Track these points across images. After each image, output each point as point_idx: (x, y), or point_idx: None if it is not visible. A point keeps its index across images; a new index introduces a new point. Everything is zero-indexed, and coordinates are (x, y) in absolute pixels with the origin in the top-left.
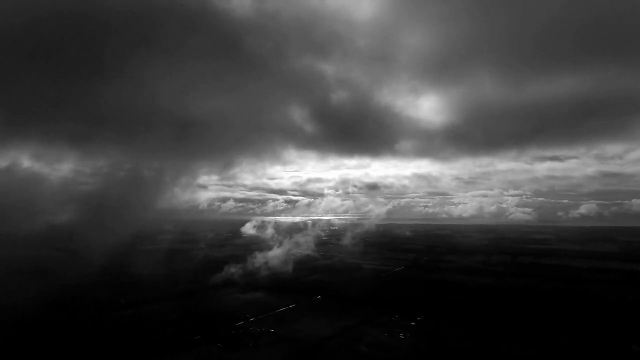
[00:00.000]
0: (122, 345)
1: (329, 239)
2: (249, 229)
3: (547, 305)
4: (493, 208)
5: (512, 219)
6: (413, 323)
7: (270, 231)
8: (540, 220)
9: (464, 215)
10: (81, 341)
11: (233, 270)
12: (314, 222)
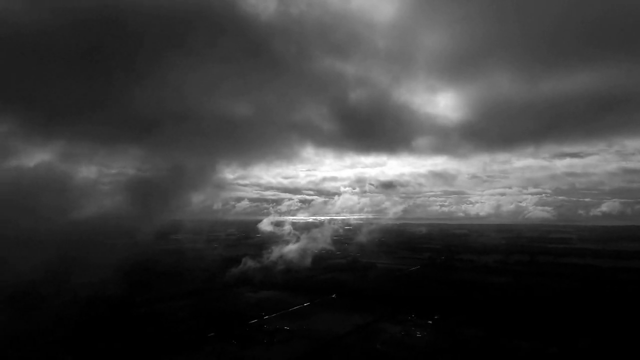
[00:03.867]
0: (137, 342)
1: (344, 238)
2: (263, 228)
3: (568, 304)
4: (512, 207)
5: (530, 217)
6: (430, 322)
7: (284, 230)
8: (560, 219)
9: (481, 214)
10: (97, 338)
11: (247, 268)
12: (329, 222)
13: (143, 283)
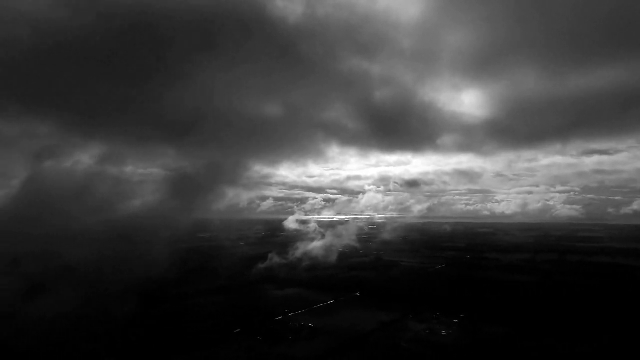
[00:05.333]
0: (165, 337)
1: (368, 236)
2: (287, 227)
3: (596, 304)
4: (539, 205)
5: (558, 216)
6: (455, 320)
7: (308, 229)
8: (589, 218)
9: (507, 212)
10: (126, 333)
11: (272, 266)
12: (353, 220)
13: (172, 280)
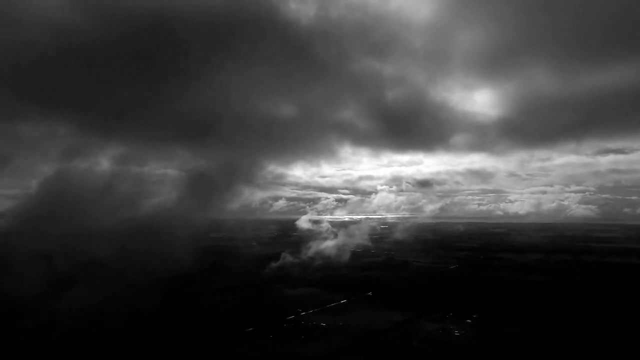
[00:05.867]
0: (177, 334)
1: (380, 236)
2: (299, 227)
3: (613, 305)
4: (553, 205)
5: (572, 216)
6: (469, 320)
7: (320, 229)
8: (605, 218)
9: (520, 212)
10: (137, 332)
11: (284, 266)
12: (365, 220)
13: (185, 278)
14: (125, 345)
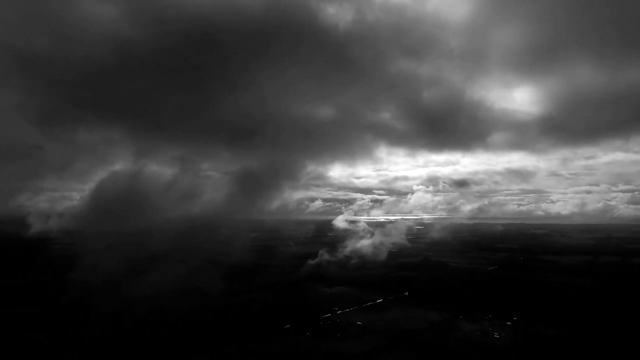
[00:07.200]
0: (216, 331)
1: (416, 236)
2: (335, 226)
3: None
4: (599, 205)
5: (620, 216)
6: (508, 323)
7: (357, 229)
8: None
9: (563, 213)
10: (178, 327)
11: (321, 265)
12: (400, 221)
13: (226, 276)
14: (166, 340)
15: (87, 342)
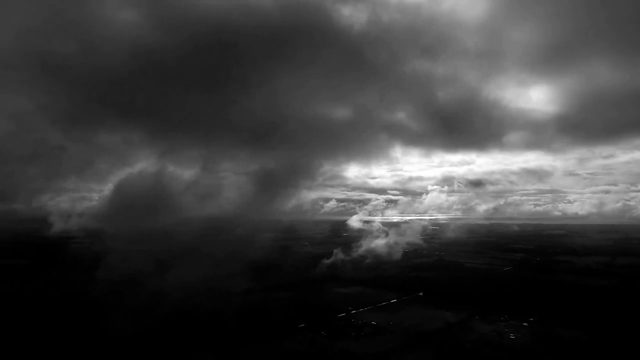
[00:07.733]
0: (231, 329)
1: (431, 236)
2: (349, 226)
3: None
4: (618, 205)
5: (639, 217)
6: (525, 324)
7: (371, 229)
8: None
9: (580, 213)
10: (193, 326)
11: (335, 265)
12: (415, 221)
13: (242, 275)
14: (186, 341)
15: (117, 335)
